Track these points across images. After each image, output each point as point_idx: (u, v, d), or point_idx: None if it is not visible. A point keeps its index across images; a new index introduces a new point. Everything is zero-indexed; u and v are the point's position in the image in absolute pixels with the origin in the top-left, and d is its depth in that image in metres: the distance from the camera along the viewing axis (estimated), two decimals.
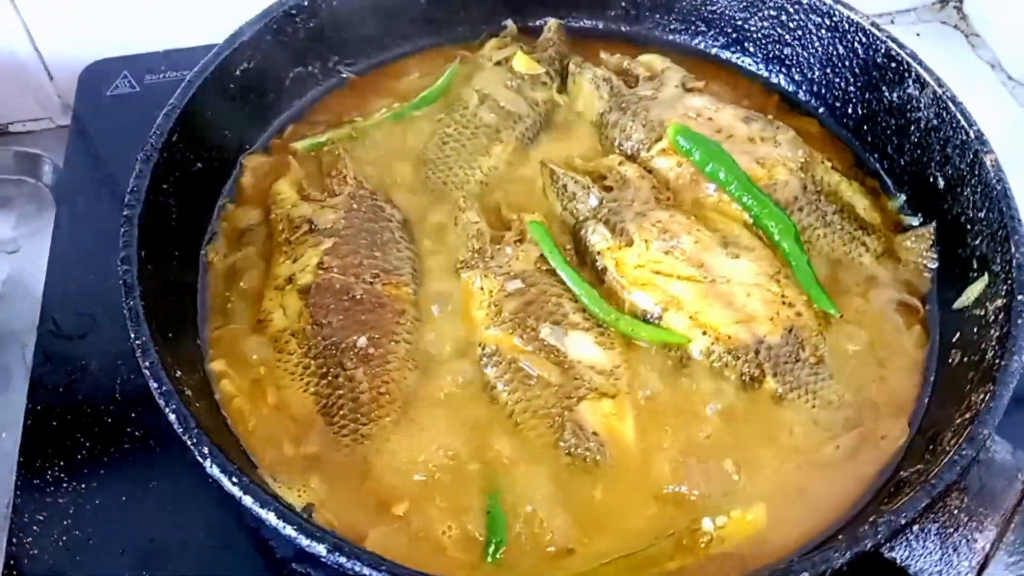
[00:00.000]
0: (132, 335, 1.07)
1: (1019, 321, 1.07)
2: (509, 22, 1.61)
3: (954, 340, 1.21)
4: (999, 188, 1.20)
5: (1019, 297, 1.09)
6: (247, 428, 1.16)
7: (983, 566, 0.96)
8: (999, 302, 1.13)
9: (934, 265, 1.30)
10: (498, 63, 1.52)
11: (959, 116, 1.27)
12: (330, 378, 1.19)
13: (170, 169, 1.27)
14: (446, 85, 1.52)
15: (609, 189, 1.34)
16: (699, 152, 1.35)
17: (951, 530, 0.98)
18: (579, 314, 1.23)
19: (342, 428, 1.16)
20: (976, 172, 1.24)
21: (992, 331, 1.11)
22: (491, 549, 1.07)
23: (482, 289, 1.25)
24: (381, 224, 1.32)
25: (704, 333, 1.21)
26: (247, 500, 0.97)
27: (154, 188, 1.22)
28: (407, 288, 1.27)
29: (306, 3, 1.45)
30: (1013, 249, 1.14)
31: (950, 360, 1.20)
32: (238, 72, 1.39)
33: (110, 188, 1.52)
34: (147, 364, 1.05)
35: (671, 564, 1.07)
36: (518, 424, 1.17)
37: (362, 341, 1.20)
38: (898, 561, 0.99)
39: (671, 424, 1.17)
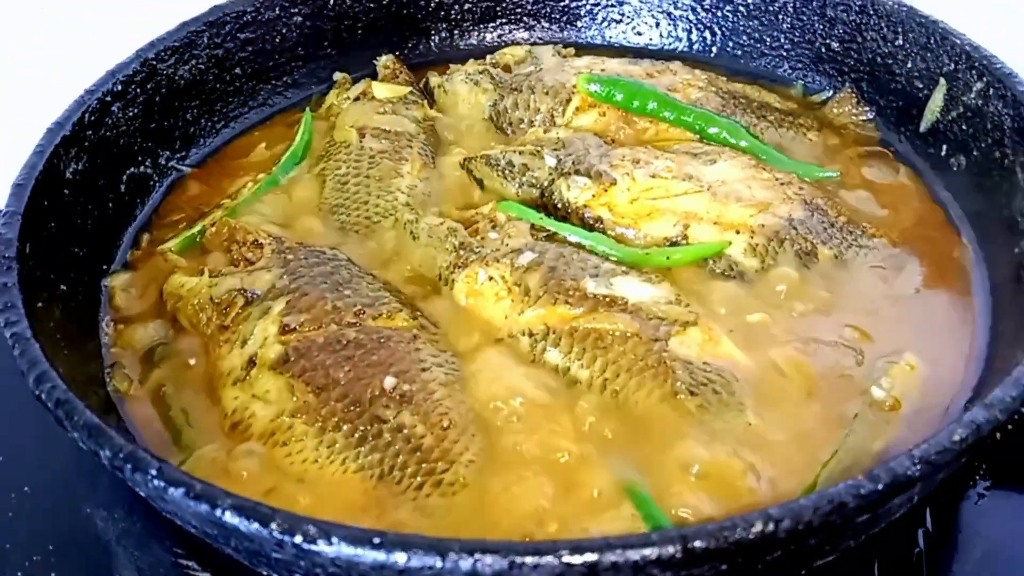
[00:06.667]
0: None
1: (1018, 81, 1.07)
2: (337, 75, 1.44)
3: (943, 153, 1.19)
4: (905, 9, 1.24)
5: (997, 66, 1.10)
6: None
7: None
8: (978, 86, 1.13)
9: (871, 115, 1.30)
10: (356, 99, 1.35)
11: None
12: (372, 441, 0.88)
13: (33, 288, 0.93)
14: (308, 137, 1.31)
15: (557, 151, 1.20)
16: (619, 93, 1.26)
17: None
18: (608, 263, 1.05)
19: (419, 489, 0.86)
20: (872, 12, 1.27)
21: (991, 107, 1.10)
22: None
23: (491, 279, 1.03)
24: (332, 264, 1.05)
25: (737, 232, 1.09)
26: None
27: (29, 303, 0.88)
28: (402, 314, 1.00)
29: (119, 88, 1.19)
30: (958, 41, 1.16)
31: (954, 167, 1.17)
32: (69, 175, 1.09)
33: None
34: None
35: (877, 444, 0.89)
36: (617, 392, 0.94)
37: (389, 381, 0.92)
38: None
39: (762, 327, 1.01)
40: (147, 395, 0.97)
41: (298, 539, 0.64)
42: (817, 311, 1.02)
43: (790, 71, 1.40)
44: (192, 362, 1.00)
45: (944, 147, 1.19)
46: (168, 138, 1.28)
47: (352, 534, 0.64)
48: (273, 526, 0.64)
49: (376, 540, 0.63)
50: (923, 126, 1.23)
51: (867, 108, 1.31)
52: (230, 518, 0.65)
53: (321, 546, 0.63)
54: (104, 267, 1.12)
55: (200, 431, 0.93)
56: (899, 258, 1.10)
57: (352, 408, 0.90)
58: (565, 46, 1.46)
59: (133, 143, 1.22)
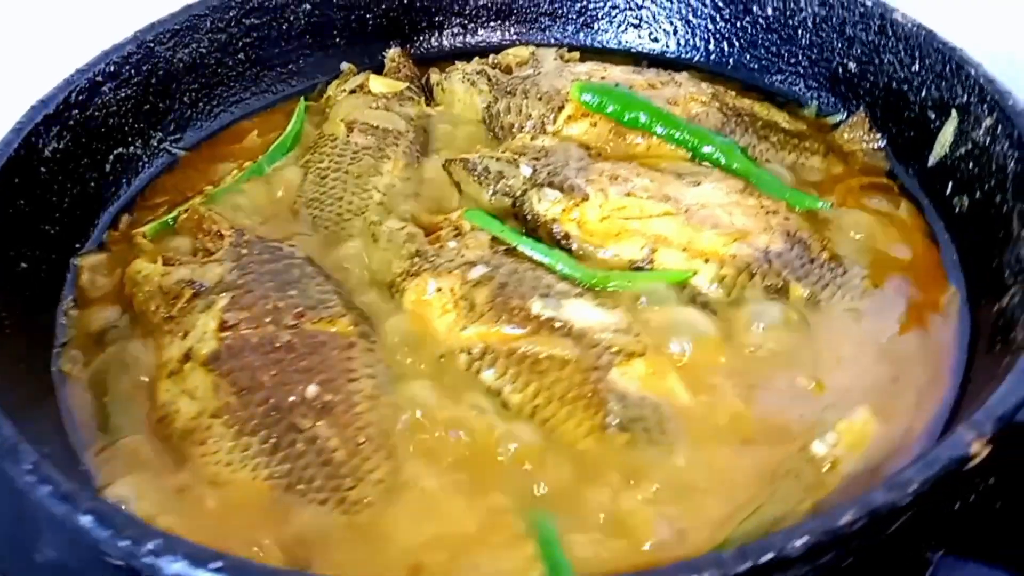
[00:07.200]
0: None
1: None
2: (344, 65, 1.43)
3: (948, 191, 1.11)
4: (923, 33, 1.15)
5: (1009, 103, 1.02)
6: None
7: None
8: (987, 122, 1.04)
9: (882, 143, 1.22)
10: (352, 92, 1.34)
11: None
12: (285, 449, 0.88)
13: None
14: (299, 128, 1.30)
15: (536, 161, 1.16)
16: (612, 104, 1.21)
17: None
18: (564, 283, 1.01)
19: (323, 504, 0.85)
20: (891, 34, 1.19)
21: (997, 146, 1.02)
22: None
23: (440, 291, 1.00)
24: (284, 263, 1.05)
25: (706, 261, 1.03)
26: None
27: None
28: (344, 320, 0.99)
29: (112, 69, 1.20)
30: (973, 71, 1.07)
31: (956, 209, 1.09)
32: (48, 152, 1.11)
33: None
34: None
35: (804, 506, 0.83)
36: (547, 421, 0.91)
37: (312, 390, 0.91)
38: None
39: (715, 364, 0.96)
40: (89, 378, 0.99)
41: (143, 550, 0.63)
42: (775, 353, 0.97)
43: (806, 90, 1.32)
44: (137, 350, 1.01)
45: (950, 185, 1.11)
46: (162, 120, 1.29)
47: (194, 552, 0.63)
48: (120, 535, 0.64)
49: (215, 564, 0.62)
50: (931, 160, 1.14)
51: (879, 135, 1.23)
52: (85, 523, 0.65)
53: (163, 562, 0.63)
54: (77, 247, 1.14)
55: (129, 420, 0.94)
56: (878, 301, 1.03)
57: (271, 414, 0.89)
58: (579, 49, 1.42)
59: (124, 123, 1.23)
